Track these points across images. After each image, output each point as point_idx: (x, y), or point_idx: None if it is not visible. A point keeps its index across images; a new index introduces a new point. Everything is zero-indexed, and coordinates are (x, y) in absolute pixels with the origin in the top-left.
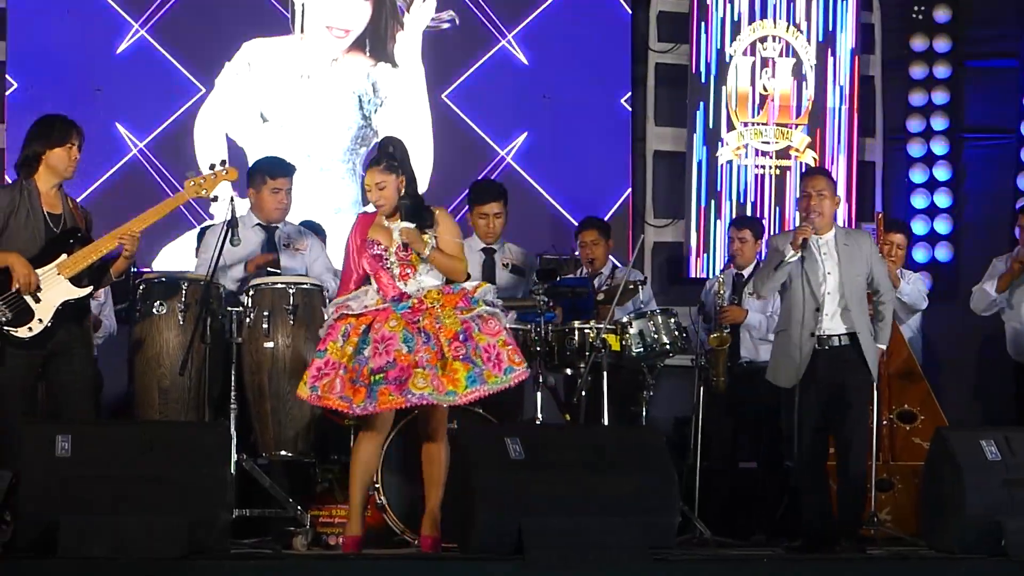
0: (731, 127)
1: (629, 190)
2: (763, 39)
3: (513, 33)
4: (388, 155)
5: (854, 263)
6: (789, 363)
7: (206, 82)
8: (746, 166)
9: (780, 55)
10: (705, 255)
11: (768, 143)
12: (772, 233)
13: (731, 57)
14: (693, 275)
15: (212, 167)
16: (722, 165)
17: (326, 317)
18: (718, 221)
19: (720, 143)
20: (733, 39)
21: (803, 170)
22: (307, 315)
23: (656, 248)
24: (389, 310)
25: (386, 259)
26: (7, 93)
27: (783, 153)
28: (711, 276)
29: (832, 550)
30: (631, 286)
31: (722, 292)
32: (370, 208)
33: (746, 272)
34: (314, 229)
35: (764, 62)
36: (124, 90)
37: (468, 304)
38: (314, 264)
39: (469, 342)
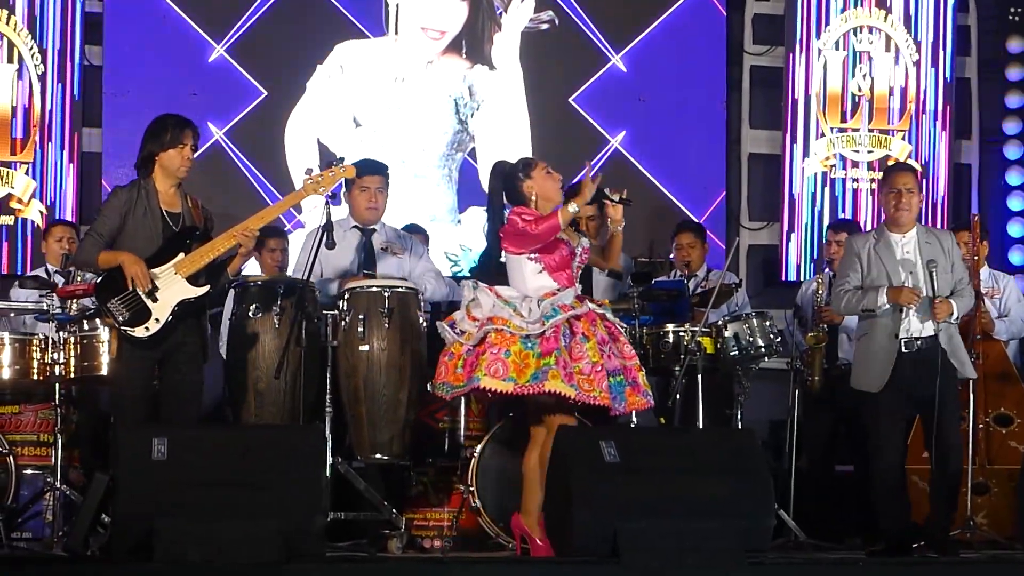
0: (820, 133)
1: (724, 193)
2: (857, 30)
3: (622, 53)
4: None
5: (941, 264)
6: (874, 367)
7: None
8: (839, 179)
9: (876, 49)
10: (800, 258)
11: (861, 152)
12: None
13: (820, 52)
14: (787, 278)
15: (330, 164)
16: (810, 178)
17: (528, 311)
18: (814, 224)
19: (806, 153)
20: (821, 31)
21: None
22: (402, 318)
23: (751, 251)
24: (593, 313)
25: (575, 253)
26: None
27: (881, 164)
28: (806, 279)
29: (912, 554)
30: (726, 289)
31: (821, 292)
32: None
33: None
34: (418, 231)
35: (858, 57)
36: (214, 95)
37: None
38: (415, 267)
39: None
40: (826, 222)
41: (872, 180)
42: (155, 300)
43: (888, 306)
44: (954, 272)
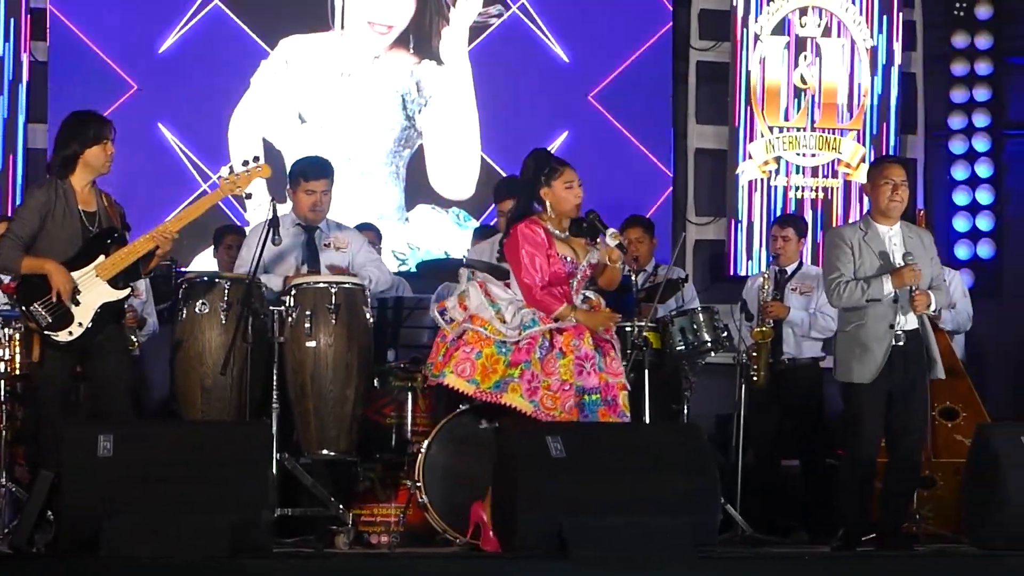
0: (755, 134)
1: (671, 188)
2: (801, 12)
3: (568, 48)
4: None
5: (919, 256)
6: (867, 358)
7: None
8: (779, 187)
9: (826, 33)
10: (747, 252)
11: (805, 155)
12: (814, 234)
13: (757, 37)
14: (735, 273)
15: (245, 163)
16: (746, 185)
17: (511, 317)
18: (760, 219)
19: (741, 156)
20: (761, 12)
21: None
22: (349, 314)
23: (698, 246)
24: (582, 326)
25: (575, 274)
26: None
27: (829, 169)
28: (752, 274)
29: (872, 546)
30: (673, 283)
31: (766, 288)
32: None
33: (789, 269)
34: (370, 229)
35: (802, 44)
36: (159, 90)
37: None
38: (356, 257)
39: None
40: (773, 217)
41: (818, 188)
42: (77, 304)
43: (892, 293)
44: (933, 266)
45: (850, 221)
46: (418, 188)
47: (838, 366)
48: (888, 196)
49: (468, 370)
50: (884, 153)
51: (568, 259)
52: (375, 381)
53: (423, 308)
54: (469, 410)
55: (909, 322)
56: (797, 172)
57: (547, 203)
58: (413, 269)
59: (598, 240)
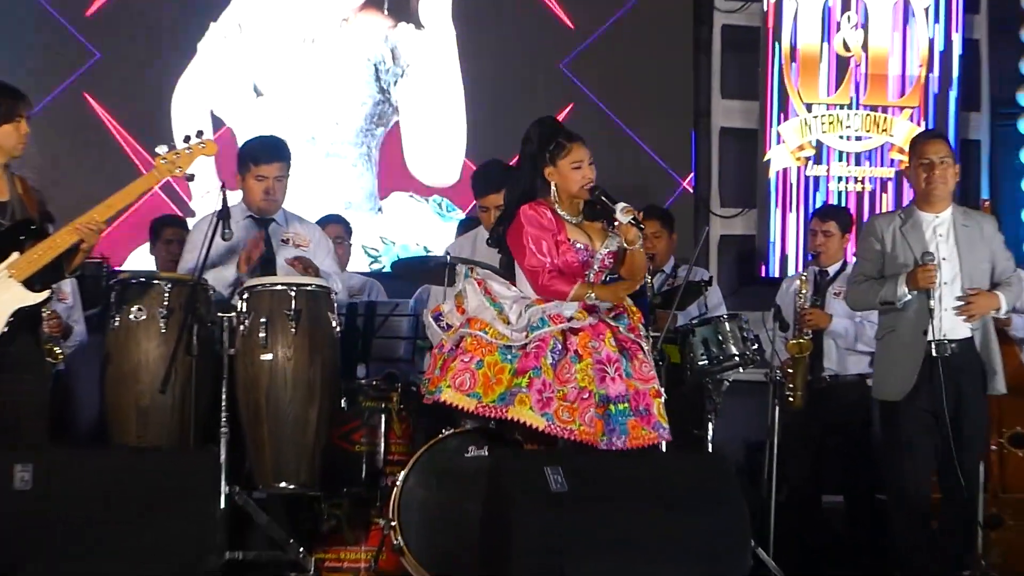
0: (788, 113)
1: (692, 174)
2: None
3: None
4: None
5: (975, 248)
6: (896, 371)
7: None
8: (818, 178)
9: None
10: (782, 251)
11: (850, 138)
12: (860, 229)
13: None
14: (767, 274)
15: (187, 139)
16: (777, 175)
17: (517, 317)
18: (797, 211)
19: (772, 139)
20: None
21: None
22: (312, 322)
23: (724, 242)
24: (604, 325)
25: (591, 264)
26: None
27: (878, 156)
28: (788, 275)
29: None
30: (694, 287)
31: (804, 292)
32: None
33: (831, 270)
34: (338, 223)
35: (845, 2)
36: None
37: (644, 321)
38: (319, 264)
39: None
40: (811, 209)
41: (865, 179)
42: None
43: (910, 296)
44: (996, 261)
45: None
46: (393, 173)
47: (873, 381)
48: (925, 178)
49: (468, 382)
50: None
51: (582, 246)
52: (342, 401)
53: (399, 315)
54: (454, 435)
55: (956, 329)
56: (840, 159)
57: (552, 184)
58: (387, 268)
59: (615, 221)
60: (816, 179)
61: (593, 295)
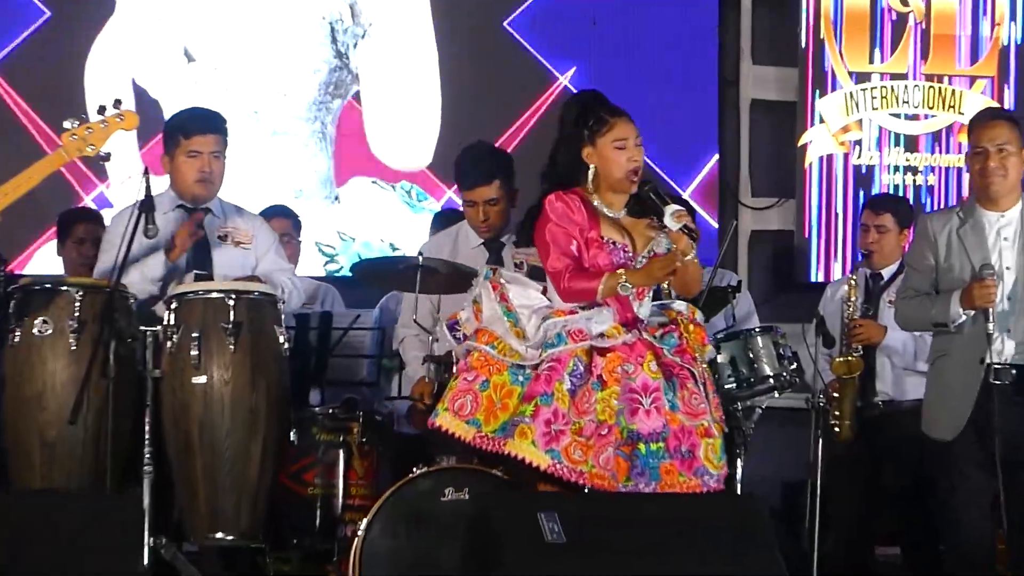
0: (830, 86)
1: (716, 156)
2: None
3: None
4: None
5: (993, 268)
6: (948, 403)
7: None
8: (869, 168)
9: None
10: (826, 249)
11: (907, 117)
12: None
13: None
14: (809, 278)
15: (101, 110)
16: (814, 162)
17: (534, 331)
18: (845, 203)
19: (810, 119)
20: None
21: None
22: (254, 337)
23: (755, 239)
24: (643, 345)
25: (632, 267)
26: None
27: (944, 140)
28: (835, 279)
29: None
30: (720, 293)
31: (853, 300)
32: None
33: (886, 273)
34: (285, 216)
35: None
36: None
37: (706, 340)
38: (262, 260)
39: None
40: (863, 198)
41: (923, 170)
42: None
43: (964, 317)
44: None
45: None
46: (353, 155)
47: (923, 415)
48: (979, 170)
49: (468, 406)
50: None
51: (618, 245)
52: (292, 433)
53: (361, 328)
54: (428, 474)
55: (1017, 350)
56: (895, 144)
57: (591, 167)
58: (346, 271)
59: (667, 228)
60: (864, 169)
61: (626, 281)
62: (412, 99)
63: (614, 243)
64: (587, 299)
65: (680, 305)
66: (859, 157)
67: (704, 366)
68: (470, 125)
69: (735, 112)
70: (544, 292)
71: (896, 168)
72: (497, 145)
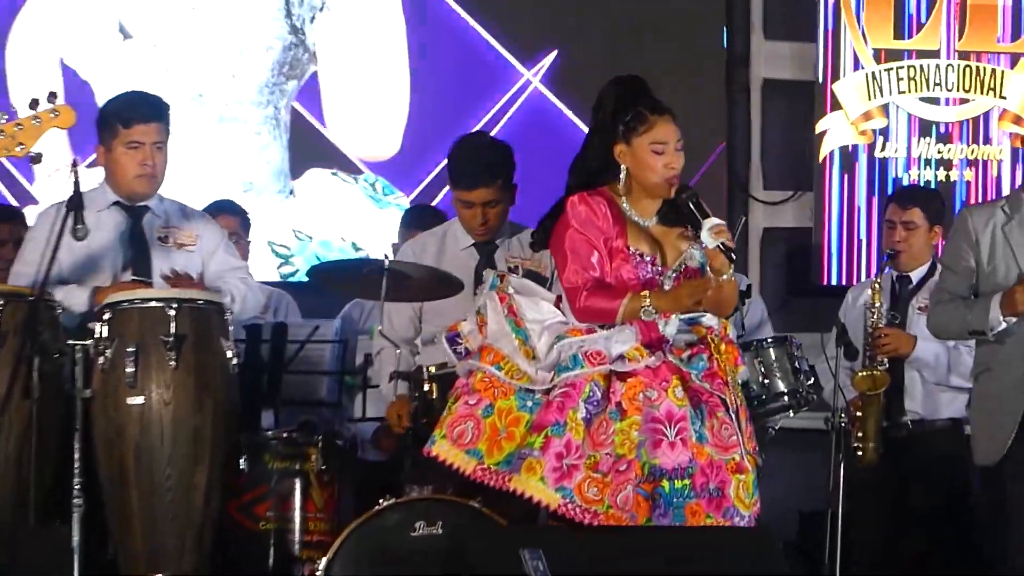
0: (848, 65)
1: (724, 143)
2: None
3: None
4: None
5: None
6: (991, 425)
7: None
8: (896, 161)
9: None
10: (848, 249)
11: (940, 102)
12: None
13: None
14: (828, 282)
15: (34, 105)
16: (833, 154)
17: (546, 350)
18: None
19: (829, 102)
20: None
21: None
22: (198, 351)
23: (768, 237)
24: (669, 368)
25: (660, 284)
26: None
27: (984, 127)
28: (858, 282)
29: None
30: None
31: (878, 306)
32: None
33: (915, 276)
34: (231, 213)
35: None
36: None
37: (740, 359)
38: (210, 261)
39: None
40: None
41: (963, 162)
42: None
43: (1005, 324)
44: None
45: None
46: (310, 143)
47: (972, 439)
48: None
49: (470, 434)
50: None
51: (646, 258)
52: (242, 460)
53: (320, 341)
54: (396, 506)
55: None
56: (925, 134)
57: (622, 171)
58: (302, 275)
59: (703, 245)
60: (888, 162)
61: (650, 304)
62: (377, 80)
63: (641, 255)
64: (604, 321)
65: (711, 320)
66: (883, 149)
67: (737, 391)
68: (443, 109)
69: (745, 94)
70: (557, 304)
71: (927, 162)
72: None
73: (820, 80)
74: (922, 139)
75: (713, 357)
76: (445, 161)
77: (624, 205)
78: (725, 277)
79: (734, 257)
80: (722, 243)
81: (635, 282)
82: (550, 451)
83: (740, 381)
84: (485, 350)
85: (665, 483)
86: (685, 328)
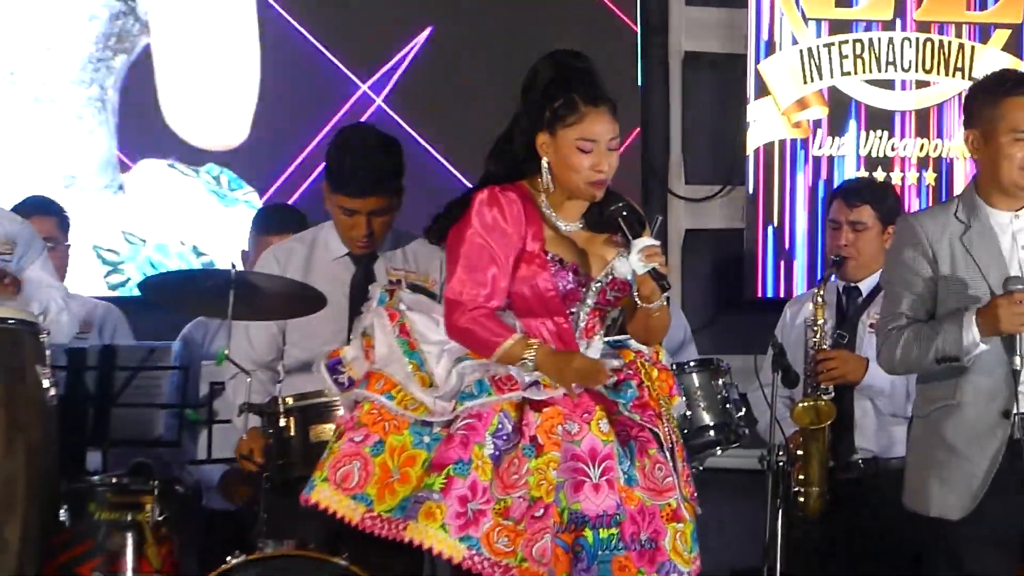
0: (787, 39)
1: (638, 128)
2: None
3: None
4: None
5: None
6: (956, 473)
7: None
8: (831, 159)
9: None
10: (785, 254)
11: (895, 85)
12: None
13: None
14: (763, 294)
15: None
16: (759, 150)
17: (445, 376)
18: (805, 190)
19: (752, 88)
20: None
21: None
22: (8, 381)
23: (691, 241)
24: (591, 397)
25: (583, 298)
26: None
27: (948, 117)
28: (797, 294)
29: None
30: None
31: (821, 323)
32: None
33: (865, 285)
34: (46, 212)
35: None
36: None
37: (675, 388)
38: (25, 275)
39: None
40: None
41: (917, 162)
42: None
43: (984, 347)
44: None
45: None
46: (143, 129)
47: (907, 483)
48: (1006, 153)
49: (356, 476)
50: None
51: (566, 265)
52: (62, 512)
53: (156, 368)
54: (249, 563)
55: None
56: (875, 128)
57: (544, 164)
58: (134, 288)
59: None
60: (832, 161)
61: (530, 360)
62: (221, 54)
63: (561, 261)
64: (476, 351)
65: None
66: (821, 147)
67: (672, 425)
68: (302, 89)
69: (663, 70)
70: None
71: (878, 161)
72: (339, 121)
73: (750, 56)
74: (871, 133)
75: (644, 385)
76: (303, 152)
77: (544, 204)
78: (655, 305)
79: (668, 285)
80: (654, 268)
81: (553, 293)
82: (452, 494)
83: (676, 415)
84: (373, 377)
85: (588, 532)
86: (610, 351)
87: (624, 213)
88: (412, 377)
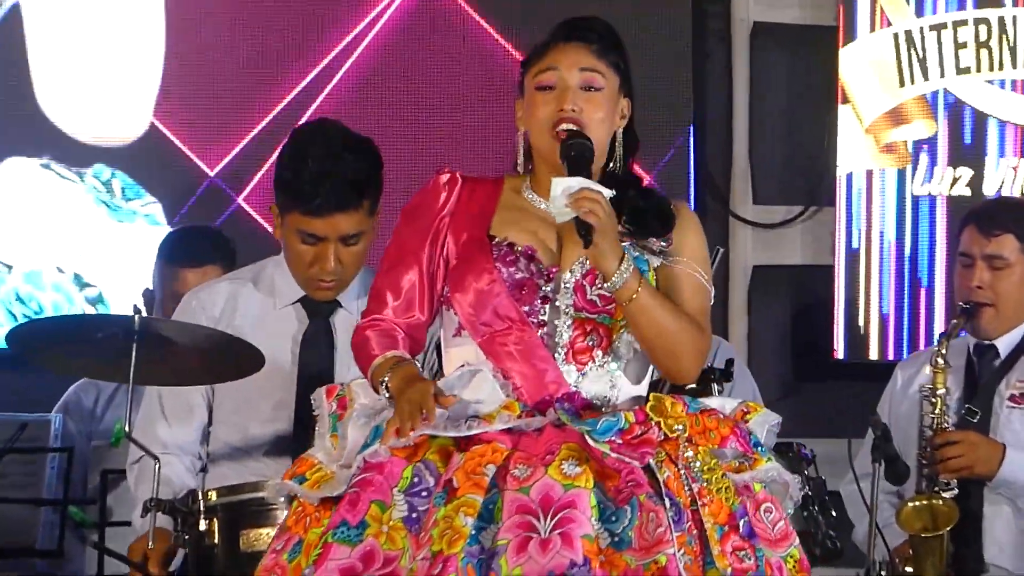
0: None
1: (690, 130)
2: None
3: None
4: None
5: None
6: None
7: None
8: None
9: None
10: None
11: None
12: None
13: None
14: (859, 352)
15: None
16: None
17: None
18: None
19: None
20: None
21: None
22: None
23: (762, 279)
24: (556, 435)
25: (551, 297)
26: None
27: None
28: (909, 354)
29: None
30: (700, 380)
31: (942, 393)
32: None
33: (1003, 343)
34: None
35: None
36: None
37: (746, 445)
38: None
39: (755, 542)
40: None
41: None
42: None
43: None
44: None
45: None
46: (10, 116)
47: None
48: None
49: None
50: None
51: (518, 249)
52: None
53: (31, 449)
54: None
55: None
56: (1002, 145)
57: (519, 122)
58: (0, 342)
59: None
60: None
61: (388, 381)
62: (114, 19)
63: (511, 246)
64: (359, 366)
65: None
66: (922, 184)
67: (715, 485)
68: (231, 67)
69: (724, 47)
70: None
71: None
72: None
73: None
74: (998, 158)
75: (650, 421)
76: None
77: (525, 192)
78: (612, 283)
79: (590, 241)
80: (580, 220)
81: (496, 291)
82: (329, 566)
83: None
84: (301, 463)
85: None
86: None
87: (577, 151)
88: (327, 441)
